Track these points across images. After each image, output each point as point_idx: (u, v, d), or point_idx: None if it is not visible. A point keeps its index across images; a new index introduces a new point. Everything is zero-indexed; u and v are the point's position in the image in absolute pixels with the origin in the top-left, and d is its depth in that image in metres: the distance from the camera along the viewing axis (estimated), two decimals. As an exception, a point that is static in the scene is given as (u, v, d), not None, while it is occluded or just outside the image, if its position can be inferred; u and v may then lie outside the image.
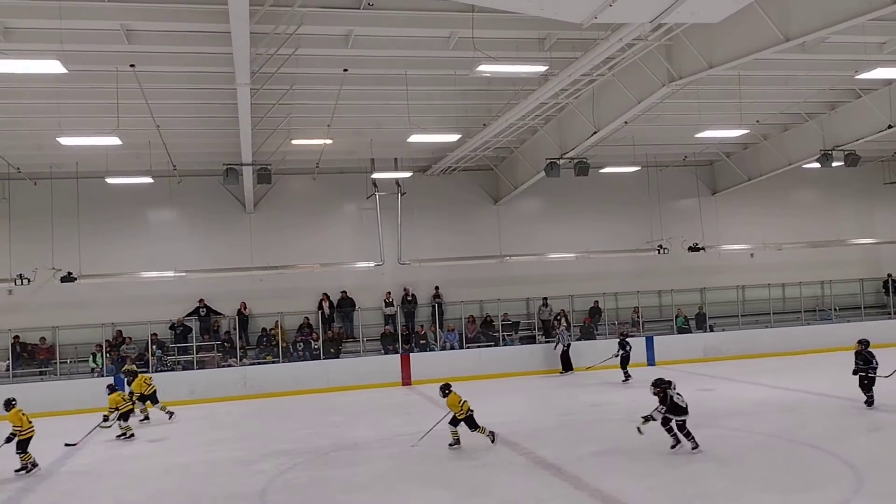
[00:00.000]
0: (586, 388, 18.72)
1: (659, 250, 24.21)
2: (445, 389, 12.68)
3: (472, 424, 12.41)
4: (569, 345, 21.97)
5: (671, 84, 15.26)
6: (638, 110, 16.81)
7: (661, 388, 11.20)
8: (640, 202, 25.38)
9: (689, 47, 14.52)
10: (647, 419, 11.23)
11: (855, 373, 13.88)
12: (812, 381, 17.51)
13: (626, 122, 17.81)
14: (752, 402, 15.51)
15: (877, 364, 13.73)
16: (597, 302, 24.66)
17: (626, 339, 20.01)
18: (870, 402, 13.91)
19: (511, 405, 16.88)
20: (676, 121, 20.17)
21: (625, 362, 19.75)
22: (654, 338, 23.26)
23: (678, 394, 11.36)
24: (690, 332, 24.31)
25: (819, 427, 12.93)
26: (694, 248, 24.75)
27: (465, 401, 12.53)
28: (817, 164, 20.91)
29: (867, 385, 13.93)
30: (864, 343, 14.03)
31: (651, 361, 22.69)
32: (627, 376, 19.54)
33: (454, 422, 12.50)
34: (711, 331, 24.53)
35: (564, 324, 22.46)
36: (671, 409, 11.21)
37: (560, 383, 19.88)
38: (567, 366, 21.83)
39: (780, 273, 25.87)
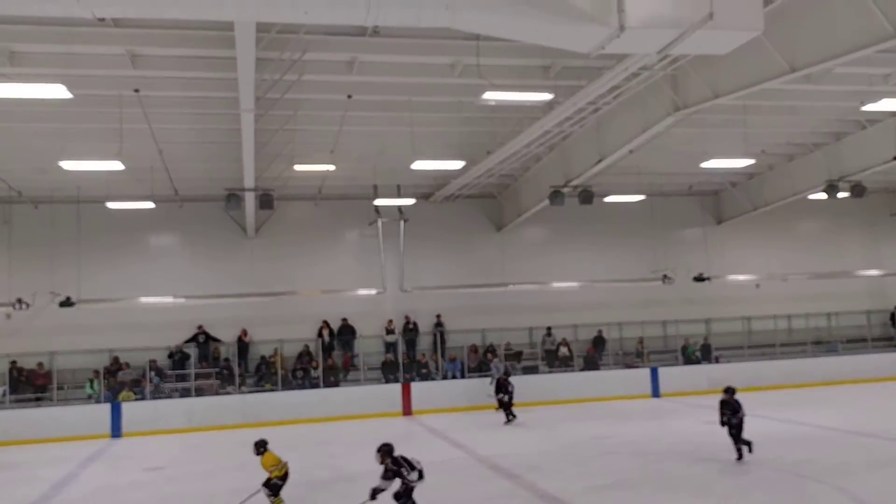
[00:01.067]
0: (590, 421, 18.41)
1: (663, 280, 24.04)
2: (261, 447, 10.78)
3: (276, 491, 10.60)
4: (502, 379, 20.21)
5: (676, 113, 15.22)
6: (643, 139, 16.75)
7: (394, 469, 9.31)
8: (644, 231, 25.26)
9: (695, 77, 14.50)
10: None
11: (723, 424, 12.43)
12: (819, 415, 17.23)
13: (630, 151, 17.76)
14: (758, 436, 15.11)
15: (744, 413, 12.43)
16: (601, 331, 24.44)
17: (508, 380, 18.52)
18: (741, 454, 12.67)
19: (513, 436, 16.63)
20: (681, 150, 20.11)
21: (505, 404, 18.20)
22: (659, 369, 22.98)
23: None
24: (699, 363, 24.04)
25: (827, 462, 12.65)
26: (699, 279, 24.57)
27: (285, 462, 10.81)
28: (823, 195, 20.83)
29: (736, 435, 12.62)
30: (730, 391, 12.65)
31: (656, 393, 22.40)
32: (510, 417, 18.14)
33: (271, 486, 10.62)
34: (717, 362, 24.26)
35: (497, 359, 21.50)
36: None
37: (564, 416, 19.55)
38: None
39: (786, 304, 25.64)
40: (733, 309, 25.28)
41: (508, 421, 18.22)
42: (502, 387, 18.60)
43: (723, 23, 7.27)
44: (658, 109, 15.61)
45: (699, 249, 25.92)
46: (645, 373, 22.75)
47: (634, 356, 24.24)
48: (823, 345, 25.79)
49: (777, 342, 25.09)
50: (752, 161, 20.35)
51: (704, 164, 20.06)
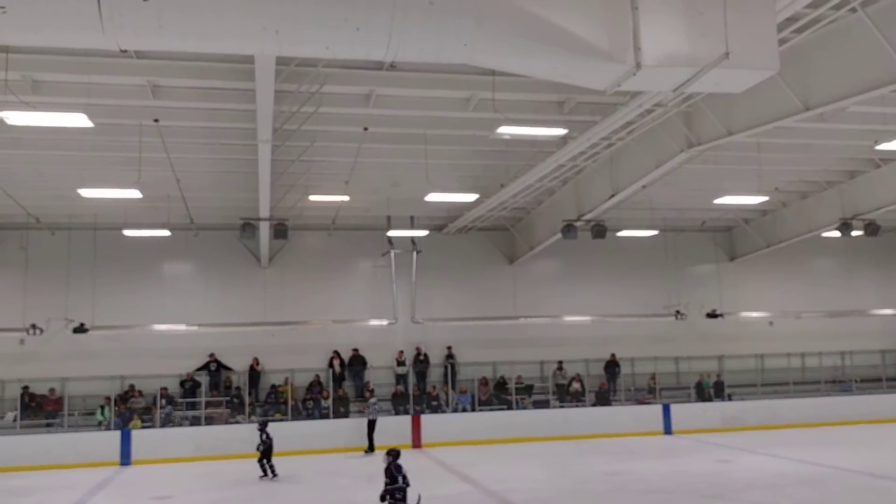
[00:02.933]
0: (604, 457, 18.23)
1: (676, 316, 23.93)
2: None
3: None
4: (373, 419, 20.08)
5: (690, 150, 15.27)
6: (656, 175, 16.80)
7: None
8: (657, 266, 25.22)
9: (709, 114, 14.56)
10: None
11: (382, 499, 9.82)
12: (834, 455, 17.01)
13: (644, 186, 17.80)
14: (772, 475, 15.06)
15: (407, 483, 9.96)
16: (613, 355, 24.31)
17: (265, 429, 16.83)
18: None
19: (525, 471, 16.48)
20: (695, 186, 20.12)
21: (267, 453, 16.61)
22: (672, 405, 22.77)
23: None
24: (711, 401, 23.81)
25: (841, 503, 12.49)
26: (712, 315, 24.45)
27: None
28: (837, 233, 20.73)
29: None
30: (393, 454, 10.31)
31: (668, 430, 22.17)
32: (266, 471, 16.46)
33: None
34: (730, 399, 24.02)
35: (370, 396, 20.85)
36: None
37: (575, 451, 19.37)
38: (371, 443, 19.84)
39: (800, 342, 25.41)
40: (746, 346, 25.09)
41: (265, 475, 16.46)
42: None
43: (738, 62, 7.32)
44: (672, 145, 15.67)
45: (712, 285, 25.82)
46: (657, 409, 22.54)
47: (646, 392, 24.05)
48: (837, 384, 25.52)
49: (791, 380, 24.81)
50: (765, 198, 20.34)
51: (718, 201, 20.11)
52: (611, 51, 7.17)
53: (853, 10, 10.83)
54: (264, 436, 16.56)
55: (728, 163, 18.06)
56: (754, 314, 25.52)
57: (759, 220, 25.03)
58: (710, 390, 24.14)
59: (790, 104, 12.90)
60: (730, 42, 7.24)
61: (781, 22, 9.38)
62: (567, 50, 7.08)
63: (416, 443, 20.84)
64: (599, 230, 19.37)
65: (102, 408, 20.43)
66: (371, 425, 19.99)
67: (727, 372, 24.70)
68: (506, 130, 13.17)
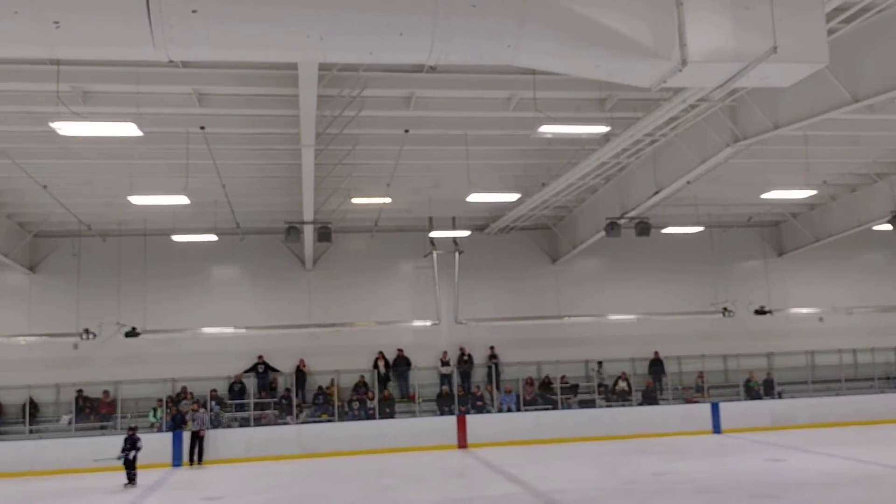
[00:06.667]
0: (651, 456, 18.05)
1: (724, 313, 23.58)
2: None
3: None
4: (198, 430, 19.46)
5: (735, 144, 15.04)
6: (701, 170, 16.56)
7: None
8: (703, 263, 24.88)
9: (754, 108, 14.33)
10: None
11: None
12: (889, 454, 16.58)
13: (688, 182, 17.55)
14: (823, 475, 14.76)
15: None
16: (657, 353, 24.10)
17: (136, 437, 16.82)
18: None
19: (572, 471, 16.39)
20: (741, 181, 19.79)
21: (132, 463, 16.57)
22: (720, 404, 22.45)
23: None
24: (761, 399, 23.42)
25: (900, 504, 12.19)
26: (760, 312, 24.02)
27: None
28: (888, 226, 20.23)
29: None
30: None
31: (717, 429, 21.86)
32: (131, 479, 16.40)
33: None
34: (780, 397, 23.60)
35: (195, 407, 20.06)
36: None
37: (622, 451, 19.20)
38: (196, 455, 19.28)
39: (851, 338, 24.86)
40: (796, 343, 24.59)
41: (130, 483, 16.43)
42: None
43: (787, 55, 7.21)
44: (717, 140, 15.45)
45: (760, 282, 25.39)
46: (705, 408, 22.25)
47: (694, 391, 23.75)
48: (891, 380, 24.89)
49: (842, 377, 24.32)
50: (813, 192, 19.93)
51: (764, 195, 19.76)
52: (656, 48, 7.11)
53: (903, -2, 10.57)
54: (139, 442, 16.70)
55: (774, 157, 17.77)
56: (804, 310, 25.00)
57: (807, 215, 24.53)
58: (760, 388, 23.74)
59: (838, 96, 12.62)
60: (778, 35, 7.13)
61: (829, 12, 9.19)
62: (611, 48, 7.04)
63: (462, 443, 20.88)
64: (643, 227, 19.18)
65: (154, 410, 20.88)
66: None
67: (777, 369, 24.28)
68: (547, 129, 13.09)
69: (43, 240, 22.28)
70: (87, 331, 20.76)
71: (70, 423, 20.84)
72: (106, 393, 21.47)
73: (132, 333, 20.91)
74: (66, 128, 11.83)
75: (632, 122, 14.16)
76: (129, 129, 11.77)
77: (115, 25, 6.56)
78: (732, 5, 7.20)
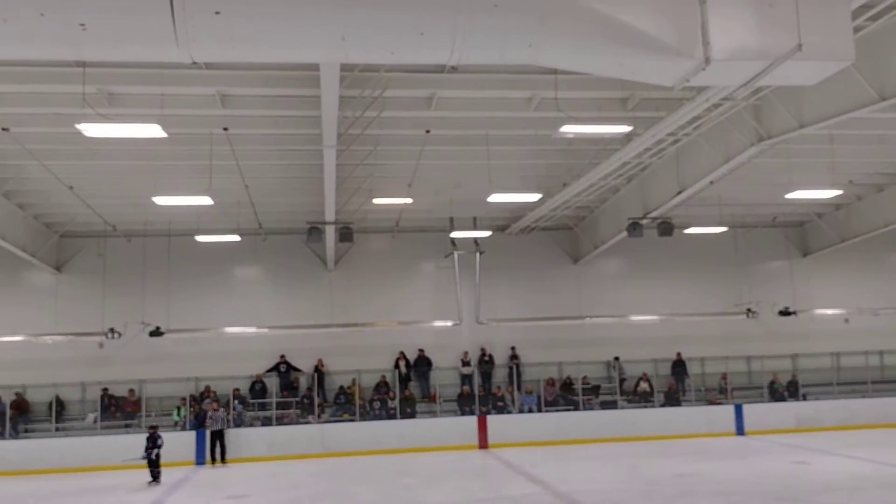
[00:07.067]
0: (674, 458, 17.93)
1: (747, 314, 23.37)
2: None
3: None
4: (220, 430, 19.62)
5: (760, 144, 14.89)
6: (725, 170, 16.42)
7: None
8: (726, 264, 24.67)
9: (779, 107, 14.18)
10: None
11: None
12: (917, 457, 16.37)
13: (711, 182, 17.42)
14: (850, 478, 14.58)
15: None
16: (679, 354, 23.94)
17: (157, 435, 17.04)
18: None
19: (593, 472, 16.32)
20: (765, 180, 19.59)
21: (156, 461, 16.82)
22: (744, 406, 22.25)
23: None
24: (785, 401, 23.18)
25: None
26: (785, 313, 23.74)
27: None
28: (916, 226, 19.96)
29: None
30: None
31: (740, 431, 21.67)
32: (155, 476, 16.66)
33: None
34: (805, 399, 23.35)
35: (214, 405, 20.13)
36: None
37: (645, 452, 19.08)
38: (218, 453, 19.44)
39: (878, 339, 24.52)
40: (821, 344, 24.31)
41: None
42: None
43: (812, 53, 7.12)
44: (740, 140, 15.31)
45: (784, 282, 25.13)
46: (729, 409, 22.07)
47: (717, 392, 23.56)
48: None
49: (868, 379, 23.99)
50: (839, 191, 19.70)
51: (789, 195, 19.54)
52: (678, 46, 7.06)
53: (932, -6, 10.41)
54: (160, 440, 16.85)
55: (799, 156, 17.58)
56: (829, 311, 24.68)
57: (832, 215, 24.24)
58: (784, 390, 23.50)
59: (864, 94, 12.46)
60: (802, 33, 7.04)
61: (855, 10, 9.08)
62: (633, 47, 7.00)
63: (483, 443, 20.86)
64: (666, 228, 19.06)
65: (178, 408, 21.08)
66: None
67: (802, 371, 24.02)
68: (568, 129, 13.08)
69: (69, 240, 22.56)
70: (112, 330, 20.99)
71: (96, 421, 21.10)
72: (131, 391, 21.71)
73: (156, 333, 21.12)
74: (91, 129, 11.99)
75: (654, 121, 14.07)
76: (153, 131, 11.91)
77: (139, 26, 6.63)
78: (756, 2, 7.12)
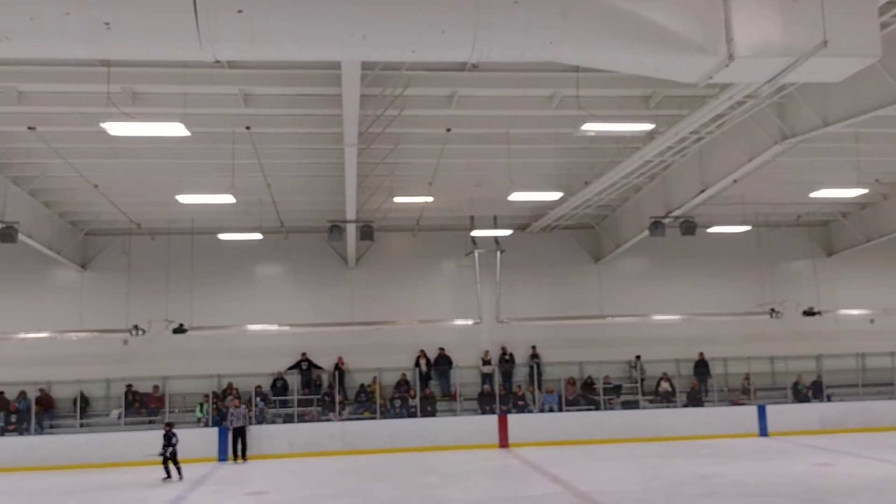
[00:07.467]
0: (696, 459, 17.79)
1: (771, 314, 23.12)
2: None
3: None
4: (241, 426, 19.58)
5: (784, 142, 14.74)
6: (748, 169, 16.26)
7: None
8: (750, 263, 24.44)
9: (804, 105, 14.03)
10: None
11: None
12: (945, 460, 16.11)
13: (735, 181, 17.26)
14: (876, 480, 14.37)
15: None
16: (702, 354, 23.76)
17: (171, 432, 17.02)
18: None
19: (615, 472, 16.23)
20: (789, 179, 19.38)
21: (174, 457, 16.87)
22: (767, 406, 22.03)
23: None
24: (809, 402, 22.93)
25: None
26: (809, 313, 23.47)
27: None
28: (944, 226, 19.65)
29: None
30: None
31: (763, 432, 21.46)
32: (170, 474, 16.72)
33: None
34: (829, 401, 23.08)
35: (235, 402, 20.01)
36: None
37: (666, 453, 18.95)
38: (240, 450, 19.47)
39: (904, 340, 24.22)
40: (846, 345, 24.00)
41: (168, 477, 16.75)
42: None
43: (837, 49, 7.03)
44: (764, 138, 15.16)
45: (809, 282, 24.85)
46: (752, 410, 21.86)
47: (740, 393, 23.35)
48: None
49: (894, 380, 23.66)
50: (864, 190, 19.40)
51: (814, 194, 19.30)
52: (702, 42, 7.00)
53: (960, -11, 10.24)
54: (174, 438, 16.89)
55: (824, 155, 17.37)
56: (854, 311, 24.37)
57: (857, 214, 23.93)
58: (808, 391, 23.25)
59: (891, 91, 12.28)
60: (828, 29, 6.96)
61: (882, 6, 8.95)
62: (656, 43, 6.95)
63: (504, 442, 20.84)
64: (689, 227, 18.91)
65: (201, 405, 21.27)
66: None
67: (826, 371, 23.76)
68: (590, 127, 13.01)
69: (94, 238, 22.85)
70: (136, 327, 21.21)
71: (120, 417, 21.34)
72: (155, 388, 21.94)
73: (180, 330, 21.31)
74: (116, 128, 12.13)
75: (677, 119, 13.96)
76: (176, 130, 12.01)
77: (162, 25, 6.70)
78: (781, -2, 7.06)
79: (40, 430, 20.84)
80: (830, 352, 24.00)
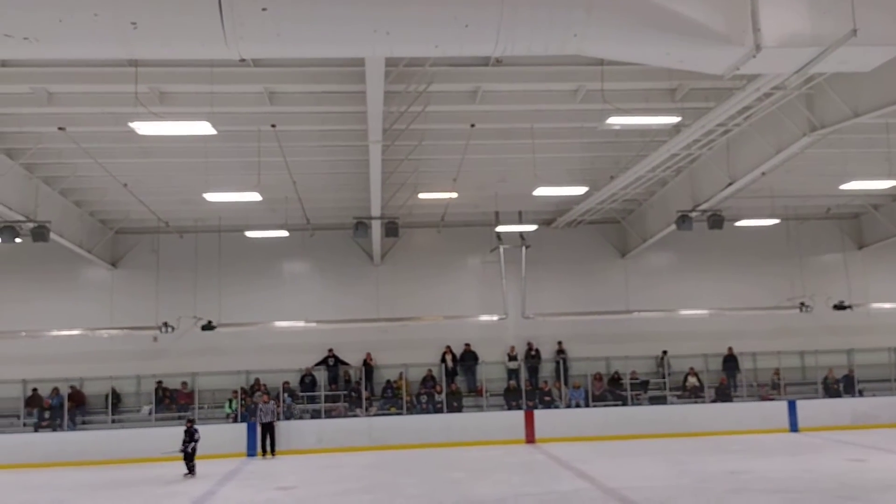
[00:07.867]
0: (725, 454, 17.62)
1: (801, 308, 22.81)
2: None
3: None
4: (270, 422, 19.80)
5: (813, 134, 14.50)
6: (776, 161, 16.05)
7: None
8: (779, 257, 24.15)
9: (833, 95, 13.80)
10: None
11: None
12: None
13: (763, 174, 17.04)
14: (910, 477, 14.17)
15: None
16: (731, 349, 23.56)
17: (193, 429, 17.18)
18: None
19: (642, 468, 16.13)
20: (818, 171, 19.11)
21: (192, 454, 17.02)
22: (798, 402, 21.76)
23: None
24: (841, 397, 22.63)
25: None
26: (840, 307, 23.14)
27: None
28: (979, 217, 19.26)
29: None
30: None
31: (794, 427, 21.22)
32: (191, 469, 16.87)
33: None
34: (861, 395, 22.76)
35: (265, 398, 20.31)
36: None
37: (695, 448, 18.80)
38: (269, 445, 19.68)
39: (938, 334, 23.79)
40: (878, 339, 23.68)
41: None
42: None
43: (867, 38, 6.90)
44: (793, 130, 14.95)
45: (839, 276, 24.49)
46: (782, 405, 21.62)
47: (770, 388, 23.10)
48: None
49: (929, 375, 23.31)
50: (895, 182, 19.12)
51: (844, 186, 18.97)
52: (728, 33, 6.92)
53: None
54: (196, 434, 17.01)
55: (855, 146, 17.09)
56: (886, 305, 23.97)
57: (889, 206, 23.53)
58: (839, 386, 22.94)
59: (924, 81, 12.07)
60: (857, 18, 6.84)
61: (914, -7, 8.79)
62: (681, 35, 6.88)
63: (530, 438, 20.82)
64: (716, 220, 18.71)
65: (230, 401, 21.49)
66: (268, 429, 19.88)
67: (857, 366, 23.43)
68: (615, 121, 12.91)
69: (124, 236, 23.17)
70: (165, 324, 21.47)
71: (150, 413, 21.63)
72: (184, 384, 22.21)
73: (208, 327, 21.55)
74: (144, 127, 12.26)
75: (703, 112, 13.83)
76: (203, 128, 12.12)
77: (188, 24, 6.77)
78: (809, -13, 6.96)
79: (73, 426, 21.20)
80: (862, 346, 23.66)
